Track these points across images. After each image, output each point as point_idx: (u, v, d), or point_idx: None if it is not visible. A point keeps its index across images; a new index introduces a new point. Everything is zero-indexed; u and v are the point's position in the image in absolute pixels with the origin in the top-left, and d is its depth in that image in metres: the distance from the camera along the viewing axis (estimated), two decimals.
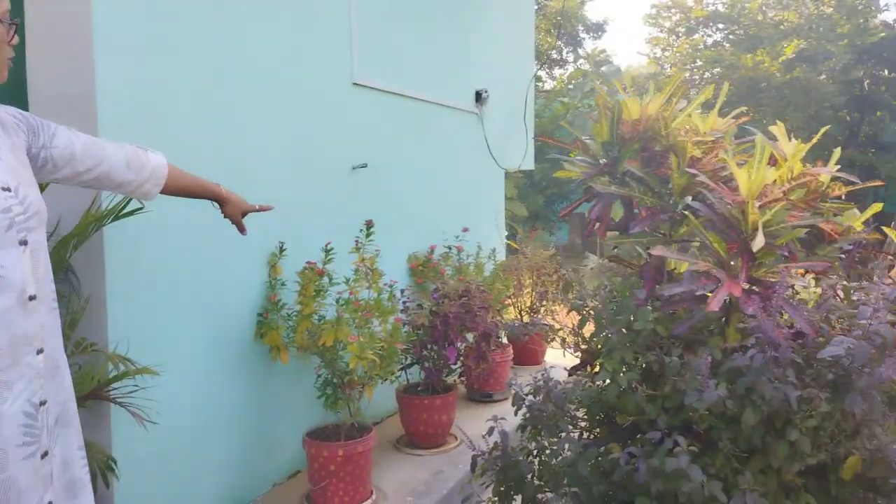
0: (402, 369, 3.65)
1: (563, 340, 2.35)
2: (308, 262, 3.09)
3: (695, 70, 14.91)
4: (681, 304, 1.68)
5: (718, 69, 13.90)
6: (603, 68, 15.50)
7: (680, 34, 16.99)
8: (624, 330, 1.82)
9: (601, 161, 1.99)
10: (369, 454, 3.03)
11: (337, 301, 3.04)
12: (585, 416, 2.13)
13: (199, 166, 2.14)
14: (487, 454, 1.99)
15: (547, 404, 2.01)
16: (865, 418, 1.42)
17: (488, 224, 5.51)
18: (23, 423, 1.32)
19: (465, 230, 4.64)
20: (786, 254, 1.59)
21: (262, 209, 2.17)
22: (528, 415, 2.13)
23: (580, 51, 19.35)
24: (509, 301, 4.96)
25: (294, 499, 3.06)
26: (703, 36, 16.67)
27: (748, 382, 1.46)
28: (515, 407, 2.16)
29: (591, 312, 2.19)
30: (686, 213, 1.73)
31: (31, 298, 1.37)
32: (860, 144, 14.56)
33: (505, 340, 4.70)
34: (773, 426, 1.51)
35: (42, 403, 1.37)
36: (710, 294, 1.62)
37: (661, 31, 17.36)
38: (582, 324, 2.06)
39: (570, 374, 2.37)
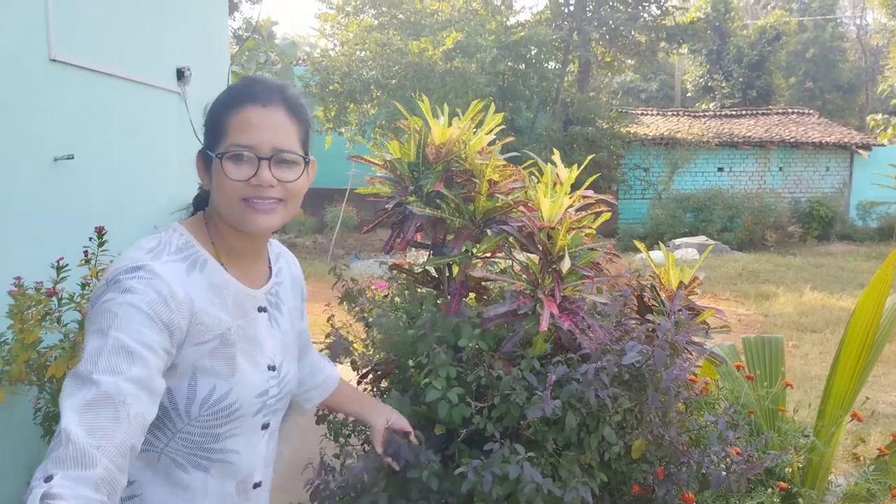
0: None
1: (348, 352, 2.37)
2: (36, 282, 2.58)
3: (366, 51, 15.52)
4: (502, 320, 1.84)
5: (389, 51, 14.68)
6: (277, 40, 15.20)
7: (349, 13, 17.49)
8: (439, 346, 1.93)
9: (406, 180, 2.04)
10: None
11: (65, 326, 2.60)
12: None
13: None
14: (323, 478, 1.94)
15: None
16: (659, 410, 1.75)
17: None
18: None
19: None
20: (585, 272, 1.86)
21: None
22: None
23: (237, 14, 18.78)
24: None
25: None
26: (370, 17, 17.40)
27: (575, 391, 1.69)
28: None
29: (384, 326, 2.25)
30: (503, 233, 1.89)
31: (256, 486, 1.27)
32: (504, 128, 16.80)
33: None
34: (585, 424, 1.77)
35: None
36: (528, 312, 1.81)
37: (331, 8, 17.68)
38: (390, 340, 2.12)
39: (359, 382, 2.41)
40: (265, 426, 1.25)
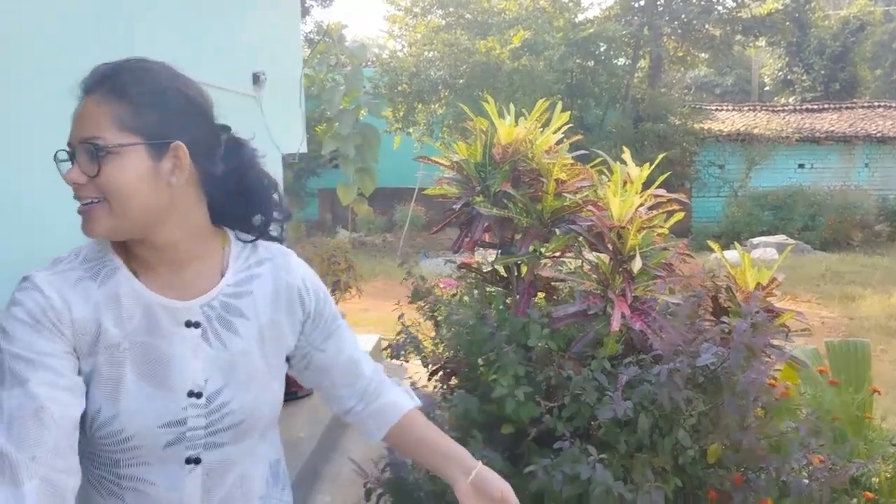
0: None
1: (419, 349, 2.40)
2: None
3: (434, 51, 15.62)
4: (571, 320, 1.83)
5: (456, 51, 14.74)
6: (347, 43, 15.53)
7: (416, 14, 17.65)
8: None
9: (473, 180, 2.05)
10: None
11: None
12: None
13: None
14: (377, 476, 1.98)
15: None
16: (736, 414, 1.70)
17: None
18: None
19: None
20: (657, 272, 1.82)
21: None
22: None
23: (308, 18, 19.30)
24: None
25: None
26: (438, 18, 17.50)
27: (647, 393, 1.66)
28: None
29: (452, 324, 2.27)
30: (572, 232, 1.88)
31: None
32: (573, 127, 16.61)
33: None
34: (658, 426, 1.74)
35: None
36: (598, 312, 1.79)
37: (399, 10, 17.88)
38: (459, 339, 2.13)
39: (429, 379, 2.44)
40: (192, 461, 1.05)
